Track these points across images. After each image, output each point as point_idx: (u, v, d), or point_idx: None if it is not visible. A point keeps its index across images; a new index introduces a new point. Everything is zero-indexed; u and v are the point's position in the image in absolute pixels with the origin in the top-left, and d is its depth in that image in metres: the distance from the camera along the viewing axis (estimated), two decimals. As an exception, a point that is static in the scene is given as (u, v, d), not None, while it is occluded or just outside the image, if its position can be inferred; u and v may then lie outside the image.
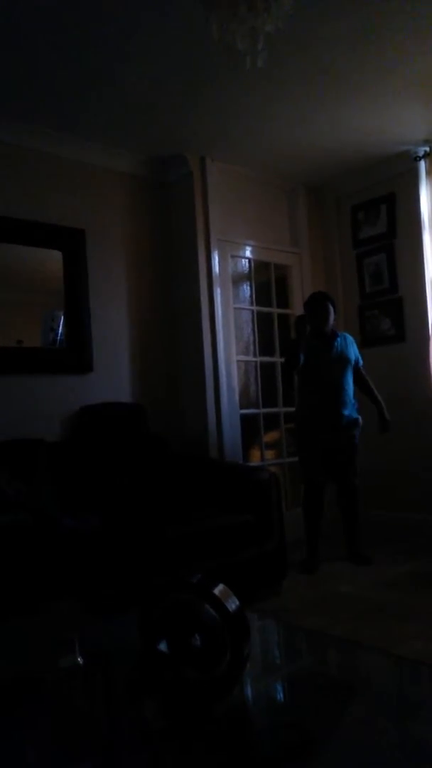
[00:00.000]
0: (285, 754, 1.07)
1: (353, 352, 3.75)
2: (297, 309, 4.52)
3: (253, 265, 4.32)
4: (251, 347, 4.31)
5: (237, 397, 4.11)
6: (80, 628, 1.20)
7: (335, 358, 3.66)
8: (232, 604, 1.18)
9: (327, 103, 3.39)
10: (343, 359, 3.68)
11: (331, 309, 3.67)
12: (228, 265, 4.14)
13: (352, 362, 3.72)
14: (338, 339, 3.70)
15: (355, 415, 3.70)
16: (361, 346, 4.04)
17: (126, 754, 1.05)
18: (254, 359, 4.30)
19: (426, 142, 3.94)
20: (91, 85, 3.07)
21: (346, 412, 3.65)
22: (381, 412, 3.75)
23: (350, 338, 3.82)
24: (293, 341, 3.77)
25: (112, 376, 3.74)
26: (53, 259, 3.55)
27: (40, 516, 2.63)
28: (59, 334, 3.57)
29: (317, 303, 3.67)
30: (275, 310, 4.44)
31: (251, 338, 4.31)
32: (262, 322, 4.36)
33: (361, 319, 4.42)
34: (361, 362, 3.80)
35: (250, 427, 4.23)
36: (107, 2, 2.47)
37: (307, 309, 3.71)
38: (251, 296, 4.32)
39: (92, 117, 3.38)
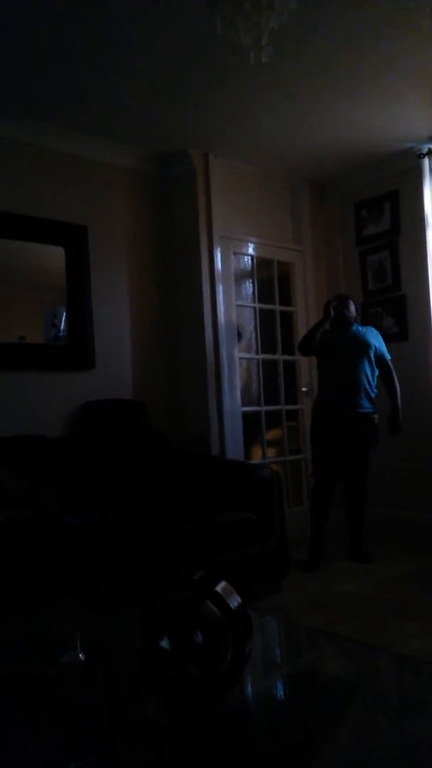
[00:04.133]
0: (286, 752, 1.07)
1: (374, 341, 3.70)
2: (300, 306, 4.52)
3: (255, 262, 4.31)
4: (253, 345, 4.30)
5: (239, 395, 4.10)
6: (81, 624, 1.20)
7: (350, 344, 3.65)
8: (234, 601, 1.18)
9: (330, 99, 3.38)
10: (359, 345, 3.65)
11: (353, 306, 3.76)
12: (230, 262, 4.13)
13: (372, 349, 3.66)
14: (356, 326, 3.72)
15: (370, 409, 3.65)
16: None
17: (127, 751, 1.05)
18: (256, 357, 4.29)
19: (430, 139, 3.92)
20: (94, 81, 3.06)
21: (361, 406, 3.61)
22: (393, 414, 3.69)
23: (373, 330, 3.79)
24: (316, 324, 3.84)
25: (114, 373, 3.74)
26: (55, 256, 3.54)
27: (41, 512, 2.63)
28: (61, 330, 3.57)
29: (340, 296, 3.81)
30: (278, 308, 4.44)
31: (253, 335, 4.30)
32: (265, 320, 4.35)
33: (364, 316, 4.40)
34: (388, 356, 3.74)
35: (251, 424, 4.22)
36: (111, -3, 2.46)
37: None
38: (254, 293, 4.31)
39: (95, 113, 3.37)
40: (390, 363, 3.74)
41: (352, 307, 3.74)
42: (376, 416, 3.67)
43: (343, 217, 4.60)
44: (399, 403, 3.70)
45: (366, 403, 3.64)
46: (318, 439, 3.77)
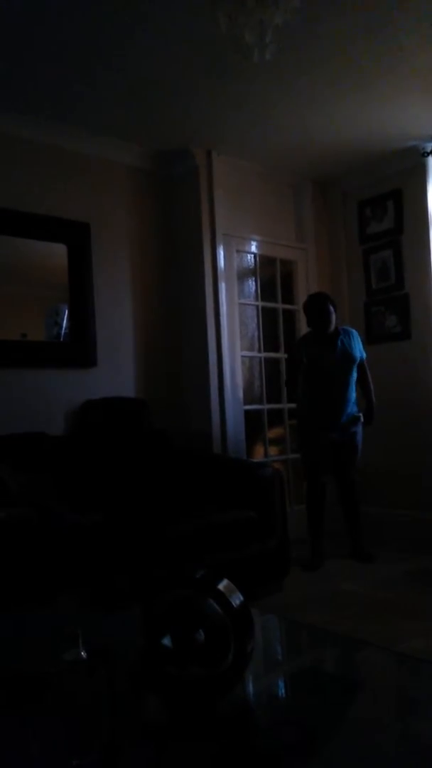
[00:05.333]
0: (287, 751, 1.07)
1: (358, 348, 3.73)
2: (302, 305, 4.50)
3: (258, 260, 4.31)
4: (256, 343, 4.30)
5: (241, 393, 4.10)
6: (83, 622, 1.20)
7: (339, 359, 3.65)
8: (236, 599, 1.17)
9: (333, 97, 3.37)
10: (347, 358, 3.66)
11: (332, 309, 3.64)
12: (233, 260, 4.12)
13: (357, 360, 3.70)
14: (341, 337, 3.67)
15: (355, 411, 3.71)
16: (367, 342, 4.04)
17: (128, 749, 1.05)
18: (259, 355, 4.29)
19: (433, 137, 3.91)
20: (96, 78, 3.05)
21: (348, 410, 3.67)
22: (369, 410, 3.75)
23: (355, 333, 3.79)
24: (289, 366, 3.84)
25: (116, 371, 3.74)
26: (58, 253, 3.54)
27: (42, 510, 2.62)
28: (63, 328, 3.57)
29: (318, 305, 3.64)
30: (280, 306, 4.43)
31: (256, 334, 4.30)
32: (267, 318, 4.35)
33: (367, 315, 4.40)
34: (364, 356, 3.78)
35: (253, 423, 4.22)
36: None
37: (307, 311, 3.70)
38: (256, 292, 4.31)
39: (97, 110, 3.37)
40: (366, 362, 3.78)
41: (333, 316, 3.61)
42: (360, 415, 3.73)
43: (346, 215, 4.59)
44: (373, 398, 3.77)
45: (353, 409, 3.71)
46: (307, 443, 3.79)
